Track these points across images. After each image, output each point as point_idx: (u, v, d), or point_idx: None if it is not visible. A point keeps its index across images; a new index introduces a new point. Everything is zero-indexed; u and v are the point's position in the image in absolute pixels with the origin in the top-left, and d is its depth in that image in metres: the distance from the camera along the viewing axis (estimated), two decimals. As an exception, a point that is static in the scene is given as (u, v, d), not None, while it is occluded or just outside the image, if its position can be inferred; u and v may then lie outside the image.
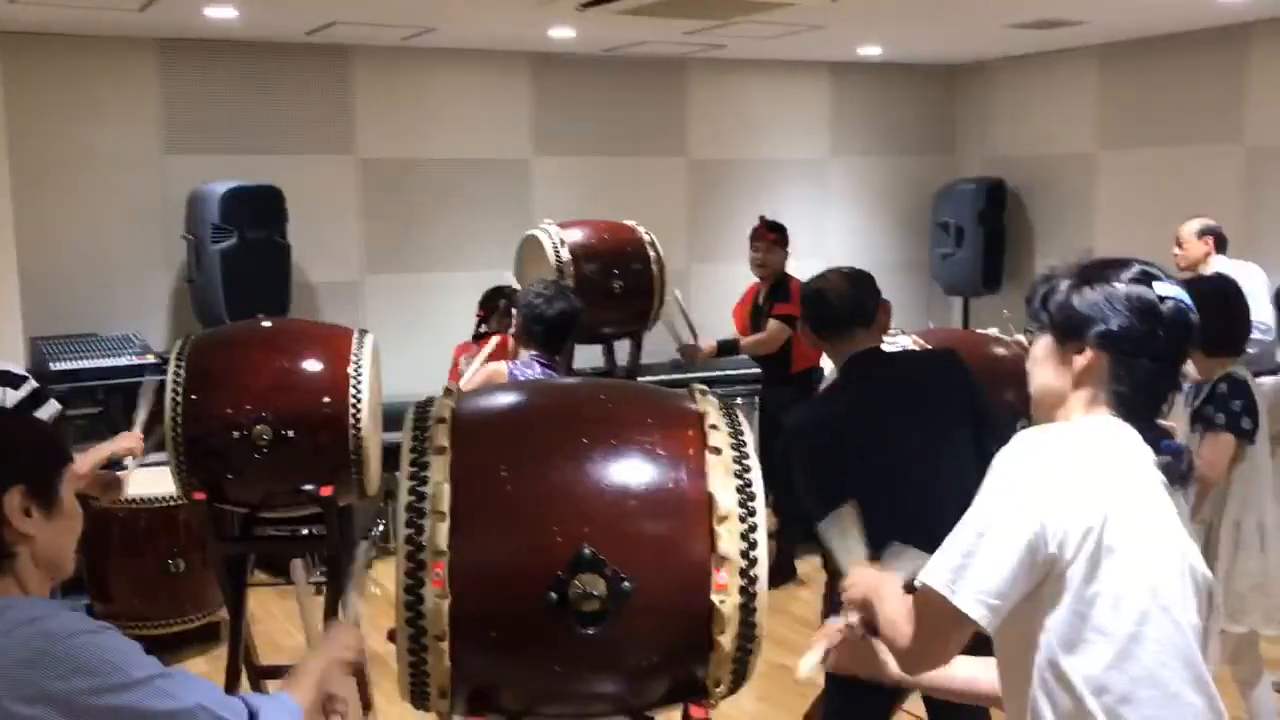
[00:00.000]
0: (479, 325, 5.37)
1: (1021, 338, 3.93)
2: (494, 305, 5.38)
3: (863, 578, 1.97)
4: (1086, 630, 1.60)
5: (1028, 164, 7.72)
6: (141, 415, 3.67)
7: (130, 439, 3.49)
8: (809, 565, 5.84)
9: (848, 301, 2.96)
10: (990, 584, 1.61)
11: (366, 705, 4.32)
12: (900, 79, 7.99)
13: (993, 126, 8.02)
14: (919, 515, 2.72)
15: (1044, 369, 1.78)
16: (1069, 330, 1.73)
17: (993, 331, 4.09)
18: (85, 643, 1.52)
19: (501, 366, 3.62)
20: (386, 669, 4.70)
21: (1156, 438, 1.73)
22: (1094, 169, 7.30)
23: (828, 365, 6.32)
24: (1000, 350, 3.74)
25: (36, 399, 3.71)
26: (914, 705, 3.09)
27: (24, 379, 5.00)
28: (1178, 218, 5.43)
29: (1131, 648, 1.60)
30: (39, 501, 1.61)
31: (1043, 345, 1.79)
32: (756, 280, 5.83)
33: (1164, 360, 1.71)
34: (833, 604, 2.62)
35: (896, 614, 1.79)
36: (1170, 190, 6.71)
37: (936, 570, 1.66)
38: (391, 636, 4.74)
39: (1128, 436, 1.70)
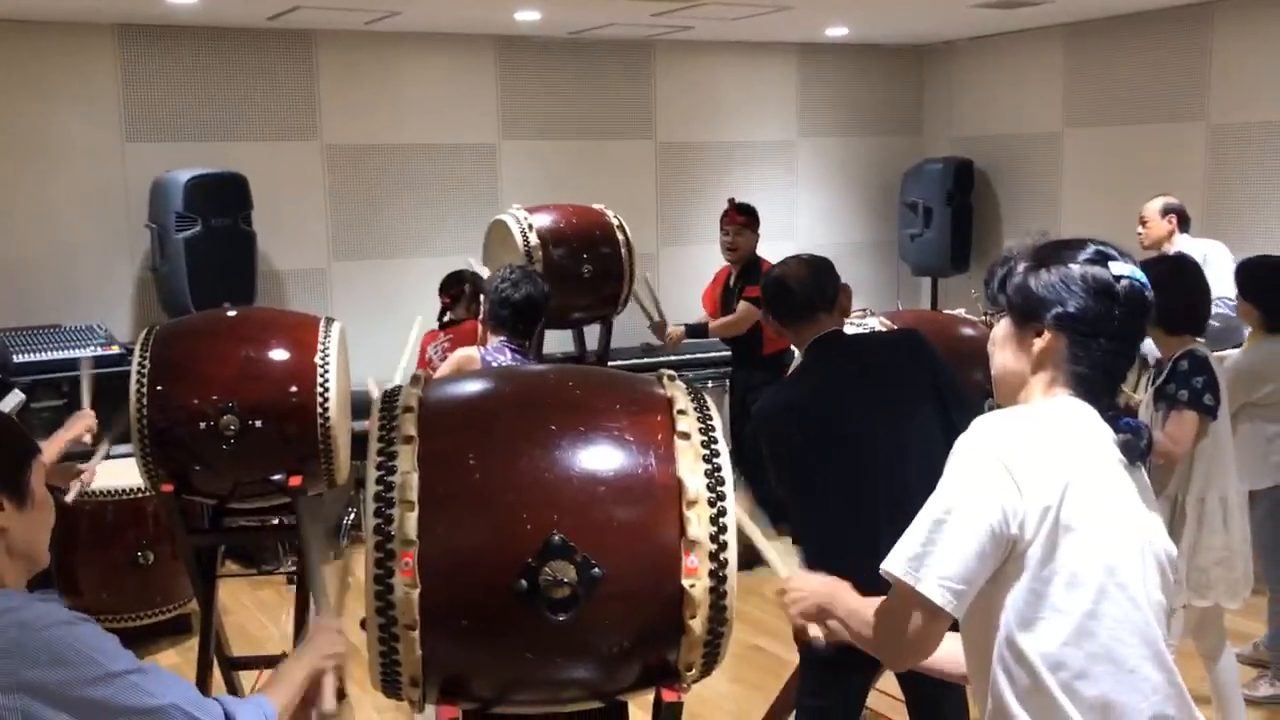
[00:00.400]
0: (443, 313, 5.32)
1: (989, 317, 3.96)
2: (458, 291, 5.32)
3: (805, 585, 1.98)
4: (1043, 608, 1.62)
5: (995, 143, 7.76)
6: (86, 395, 3.64)
7: (83, 421, 3.43)
8: (781, 547, 5.86)
9: (807, 287, 2.97)
10: (953, 569, 1.61)
11: (340, 694, 4.31)
12: (867, 60, 8.00)
13: (960, 107, 8.05)
14: (885, 496, 2.74)
15: (1004, 351, 1.79)
16: (1026, 312, 1.74)
17: (960, 312, 4.12)
18: (62, 634, 1.51)
19: (473, 352, 3.59)
20: (359, 657, 4.70)
21: (1116, 416, 1.73)
22: (1060, 148, 7.35)
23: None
24: (968, 330, 3.76)
25: (0, 391, 3.67)
26: (889, 685, 3.11)
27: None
28: (1143, 195, 5.47)
29: (1088, 624, 1.61)
30: (10, 495, 1.61)
31: (1002, 327, 1.80)
32: (727, 264, 5.82)
33: (1121, 339, 1.72)
34: None
35: (865, 611, 1.79)
36: (1135, 168, 6.76)
37: (899, 558, 1.66)
38: (364, 625, 4.71)
39: (1087, 416, 1.71)
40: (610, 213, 5.74)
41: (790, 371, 3.03)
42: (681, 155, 7.44)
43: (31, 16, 5.75)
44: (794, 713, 3.06)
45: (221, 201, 5.68)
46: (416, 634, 1.77)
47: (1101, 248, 1.74)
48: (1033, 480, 1.62)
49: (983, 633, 1.68)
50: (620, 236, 5.63)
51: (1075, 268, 1.71)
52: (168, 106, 6.11)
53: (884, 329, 3.56)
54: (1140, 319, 1.73)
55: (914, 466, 2.82)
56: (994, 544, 1.61)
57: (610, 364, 6.00)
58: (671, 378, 2.03)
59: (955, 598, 1.62)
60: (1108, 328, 1.70)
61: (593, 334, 6.06)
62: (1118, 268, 1.71)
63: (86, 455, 3.53)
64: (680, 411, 1.91)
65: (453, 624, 1.79)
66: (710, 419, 1.93)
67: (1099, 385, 1.72)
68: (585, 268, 5.51)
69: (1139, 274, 1.73)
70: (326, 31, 6.42)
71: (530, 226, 5.42)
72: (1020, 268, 1.77)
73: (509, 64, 6.90)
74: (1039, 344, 1.73)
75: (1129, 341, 1.74)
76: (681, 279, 6.94)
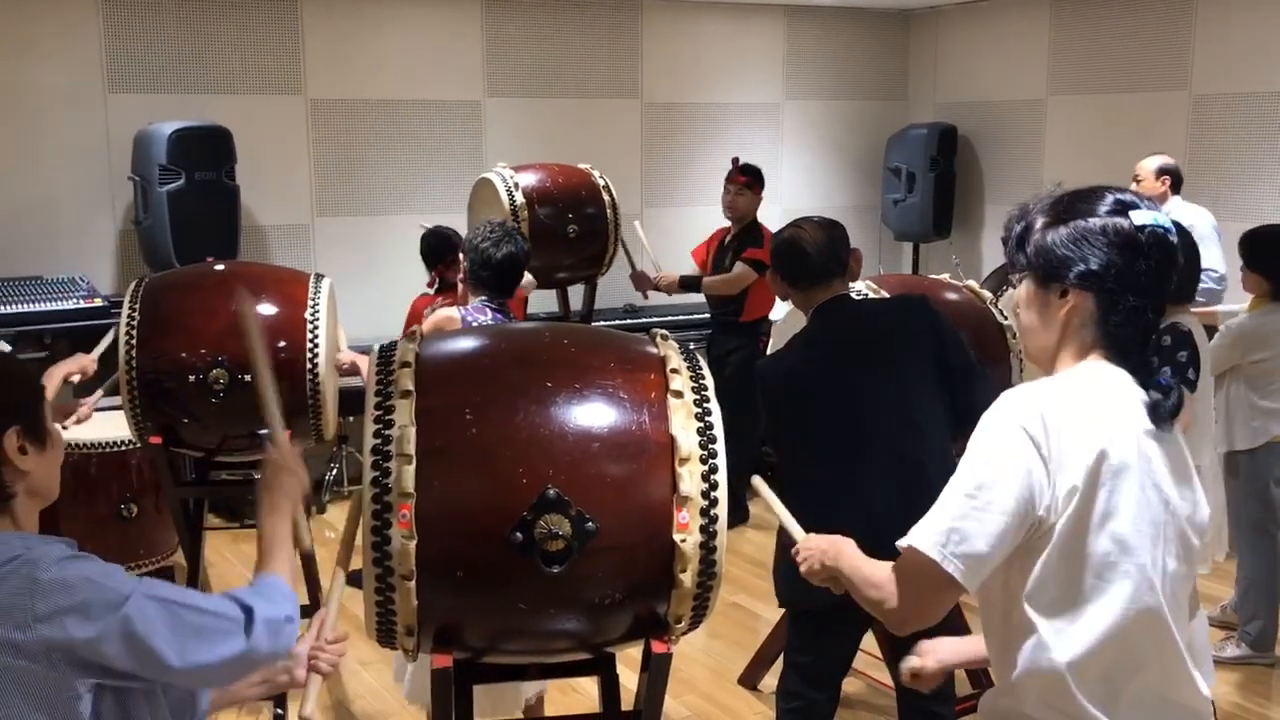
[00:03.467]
0: (434, 282, 5.00)
1: (972, 283, 4.00)
2: (450, 259, 4.94)
3: (813, 544, 1.96)
4: (1056, 583, 1.60)
5: (979, 110, 7.78)
6: (102, 346, 3.65)
7: (79, 361, 3.42)
8: (760, 506, 5.93)
9: (823, 250, 2.95)
10: (978, 548, 1.58)
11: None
12: (854, 24, 7.98)
13: (945, 72, 8.06)
14: (885, 457, 2.79)
15: (1029, 312, 1.72)
16: (1048, 273, 1.66)
17: (945, 277, 4.15)
18: (75, 566, 1.54)
19: (453, 312, 3.55)
20: (344, 614, 4.74)
21: (1150, 374, 1.66)
22: (1044, 115, 7.37)
23: (778, 313, 6.41)
24: (952, 295, 3.80)
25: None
26: (871, 645, 3.18)
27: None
28: (1125, 164, 5.51)
29: (1099, 601, 1.59)
30: (32, 438, 1.63)
31: (1025, 288, 1.72)
32: (724, 225, 5.82)
33: (1150, 293, 1.64)
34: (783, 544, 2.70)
35: (877, 576, 1.76)
36: (1118, 137, 6.80)
37: (925, 534, 1.64)
38: (349, 580, 4.75)
39: (1117, 382, 1.65)
40: (596, 173, 5.74)
41: (798, 334, 3.02)
42: (667, 116, 7.43)
43: (12, -37, 5.68)
44: (782, 669, 3.11)
45: (205, 155, 5.64)
46: (412, 584, 1.81)
47: (1120, 196, 1.65)
48: (1060, 458, 1.58)
49: (996, 606, 1.67)
50: (606, 197, 5.63)
51: (1095, 221, 1.62)
52: (151, 57, 6.05)
53: (871, 293, 3.59)
54: (1168, 268, 1.64)
55: (914, 432, 2.86)
56: (1019, 522, 1.58)
57: (594, 324, 6.02)
58: (665, 337, 2.07)
59: (972, 573, 1.60)
60: (1135, 282, 1.62)
61: (576, 294, 6.07)
62: (1139, 216, 1.62)
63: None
64: (673, 370, 1.95)
65: (448, 575, 1.83)
66: (703, 378, 1.96)
67: (1131, 343, 1.65)
68: (570, 228, 5.51)
69: (1162, 220, 1.64)
70: (312, -16, 6.36)
71: (516, 185, 5.42)
72: (1038, 224, 1.68)
73: (495, 21, 6.86)
74: (1065, 304, 1.65)
75: (1158, 294, 1.66)
76: (665, 239, 6.94)
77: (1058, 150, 7.31)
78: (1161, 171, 5.20)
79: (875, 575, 1.76)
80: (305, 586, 3.86)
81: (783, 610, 3.28)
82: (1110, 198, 1.65)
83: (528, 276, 3.67)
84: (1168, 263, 1.64)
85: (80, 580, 1.53)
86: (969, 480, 1.62)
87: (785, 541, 2.97)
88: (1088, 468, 1.58)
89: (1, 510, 1.62)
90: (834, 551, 1.89)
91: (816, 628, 2.95)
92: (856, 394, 2.85)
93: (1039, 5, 7.27)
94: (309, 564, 3.97)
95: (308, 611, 2.08)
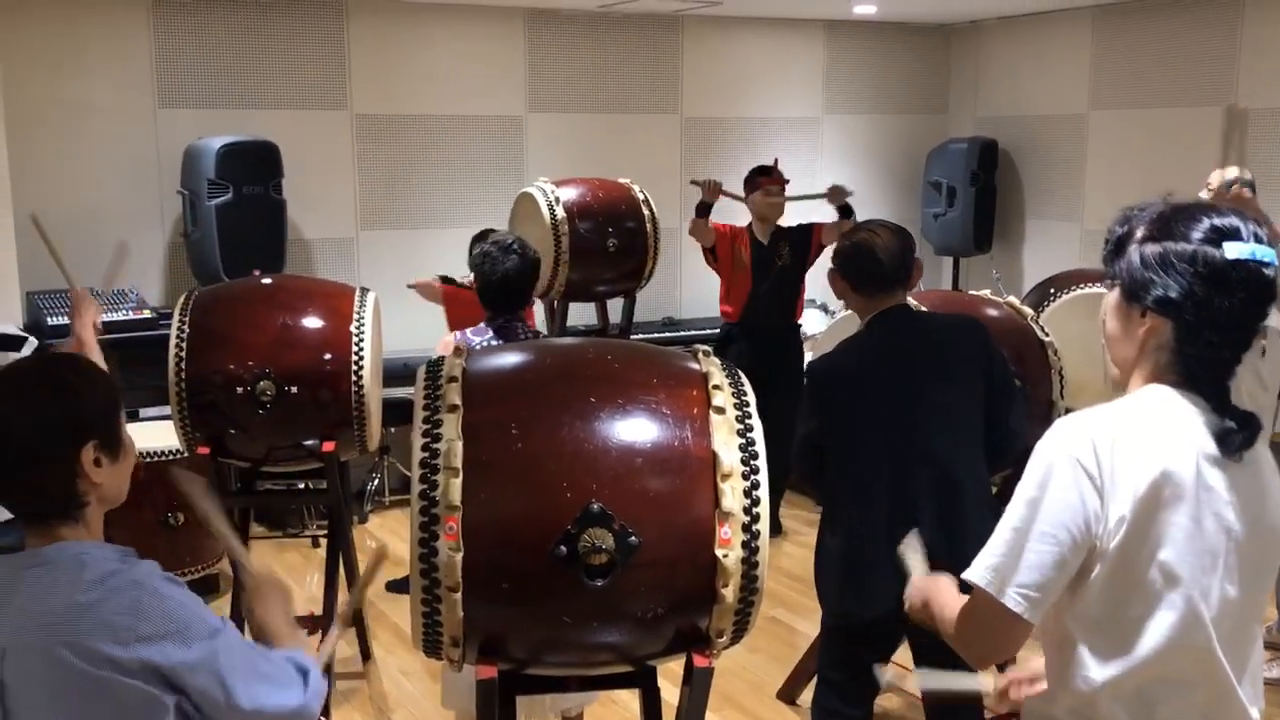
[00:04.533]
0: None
1: (1013, 299, 3.99)
2: None
3: (920, 584, 1.97)
4: (1100, 605, 1.60)
5: (1020, 124, 7.75)
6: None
7: (91, 305, 3.29)
8: (793, 520, 5.94)
9: (895, 259, 2.96)
10: (1033, 578, 1.58)
11: (365, 654, 4.41)
12: (894, 38, 7.98)
13: (986, 87, 8.03)
14: (930, 474, 2.81)
15: (1114, 321, 1.67)
16: (1131, 291, 1.61)
17: (985, 293, 4.14)
18: (170, 592, 1.60)
19: (449, 338, 3.50)
20: (385, 621, 4.80)
21: (1225, 405, 1.59)
22: (1085, 130, 7.33)
23: (811, 326, 6.40)
24: (993, 311, 3.79)
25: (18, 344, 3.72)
26: (902, 658, 3.18)
27: (24, 339, 5.02)
28: (1169, 180, 5.41)
29: (1142, 629, 1.59)
30: (107, 450, 1.68)
31: (1113, 297, 1.66)
32: (752, 223, 5.79)
33: (1231, 329, 1.56)
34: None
35: (948, 608, 1.77)
36: (1161, 152, 6.75)
37: (980, 568, 1.63)
38: (390, 587, 4.81)
39: (1179, 410, 1.60)
40: (636, 187, 5.78)
41: (851, 337, 3.03)
42: (707, 131, 7.46)
43: (67, -18, 5.81)
44: (815, 683, 3.12)
45: (253, 169, 5.74)
46: (459, 596, 1.84)
47: (1220, 222, 1.56)
48: (1111, 486, 1.56)
49: (1050, 617, 1.66)
50: (646, 211, 5.68)
51: (1186, 246, 1.55)
52: (201, 73, 6.16)
53: (913, 307, 3.59)
54: (1258, 305, 1.56)
55: (958, 450, 2.87)
56: (1074, 552, 1.57)
57: (633, 337, 6.06)
58: (706, 353, 2.09)
59: (1034, 606, 1.59)
60: (1213, 318, 1.54)
61: (615, 307, 6.11)
62: (1233, 249, 1.53)
63: None
64: (715, 386, 1.97)
65: (494, 587, 1.86)
66: (745, 394, 1.98)
67: (1205, 375, 1.59)
68: (610, 241, 5.56)
69: (1262, 252, 1.54)
70: (359, 1, 6.45)
71: (557, 200, 5.47)
72: (1136, 236, 1.61)
73: (538, 37, 6.92)
74: (1143, 325, 1.60)
75: (1241, 332, 1.57)
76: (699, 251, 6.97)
77: (1099, 165, 7.26)
78: (1234, 185, 5.01)
79: (947, 608, 1.78)
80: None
81: (820, 625, 3.29)
82: (1208, 222, 1.56)
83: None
84: (1258, 300, 1.56)
85: (180, 607, 1.59)
86: (1025, 512, 1.60)
87: (824, 554, 2.99)
88: (1137, 497, 1.56)
89: (76, 519, 1.66)
90: (929, 588, 1.90)
91: (848, 643, 2.95)
92: (907, 404, 2.86)
93: (1081, 19, 7.23)
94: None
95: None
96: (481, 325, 3.42)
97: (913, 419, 2.85)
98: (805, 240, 5.76)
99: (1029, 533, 1.59)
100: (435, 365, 2.01)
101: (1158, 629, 1.59)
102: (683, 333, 6.93)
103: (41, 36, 5.84)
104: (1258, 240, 1.56)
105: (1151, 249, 1.57)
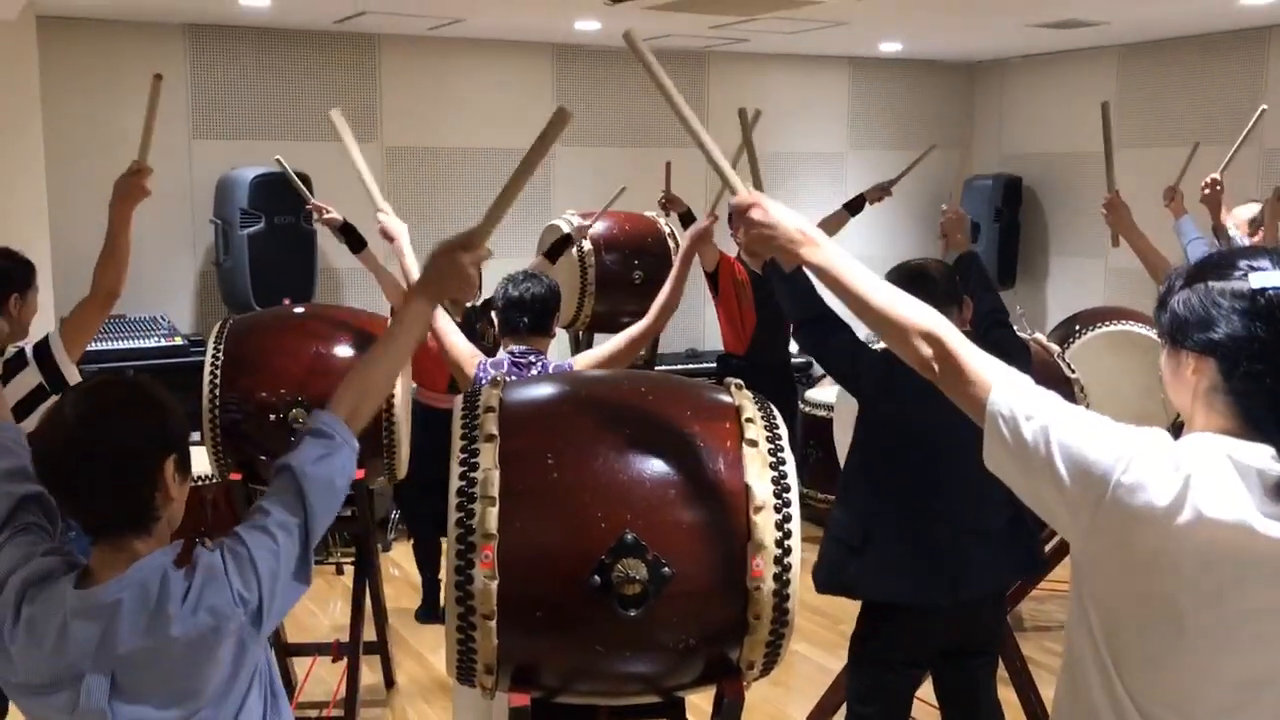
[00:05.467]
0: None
1: (1039, 335, 4.00)
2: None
3: (779, 218, 1.94)
4: (1129, 648, 1.54)
5: (1044, 161, 7.78)
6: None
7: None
8: (814, 554, 5.91)
9: (948, 279, 3.00)
10: (1034, 406, 1.59)
11: (390, 682, 4.43)
12: (919, 75, 8.04)
13: (1010, 124, 8.07)
14: (941, 474, 2.83)
15: (1167, 374, 1.65)
16: (1173, 338, 1.61)
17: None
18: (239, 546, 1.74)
19: (469, 371, 3.42)
20: (407, 648, 4.81)
21: None
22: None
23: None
24: (1018, 348, 3.80)
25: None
26: (927, 694, 3.18)
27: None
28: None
29: (1168, 665, 1.53)
30: (182, 470, 1.73)
31: (1163, 355, 1.65)
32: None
33: (1269, 359, 1.51)
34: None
35: (858, 276, 1.89)
36: (1186, 190, 6.75)
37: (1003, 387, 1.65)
38: (419, 617, 4.81)
39: (1225, 459, 1.50)
40: (662, 220, 5.84)
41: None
42: (732, 165, 7.50)
43: (110, 15, 5.92)
44: (844, 717, 3.12)
45: (285, 199, 5.80)
46: (493, 623, 1.87)
47: (1247, 259, 1.56)
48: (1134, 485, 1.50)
49: (1071, 634, 1.63)
50: (671, 244, 5.73)
51: (1220, 285, 1.54)
52: (234, 105, 6.26)
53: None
54: None
55: (971, 459, 2.88)
56: (1097, 458, 1.51)
57: (656, 368, 6.09)
58: (739, 386, 2.12)
59: (1008, 426, 1.59)
60: (1249, 348, 1.51)
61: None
62: (1259, 279, 1.52)
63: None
64: (748, 419, 1.99)
65: (528, 615, 1.89)
66: (777, 427, 2.01)
67: (1259, 412, 1.52)
68: (636, 274, 5.62)
69: None
70: (390, 36, 6.56)
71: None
72: (1176, 286, 1.62)
73: (566, 72, 7.01)
74: (1189, 368, 1.58)
75: None
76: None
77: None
78: (1255, 223, 5.04)
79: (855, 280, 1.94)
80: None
81: (845, 659, 3.30)
82: (1236, 260, 1.57)
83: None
84: None
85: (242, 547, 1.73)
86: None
87: (831, 529, 3.00)
88: (1168, 557, 1.49)
89: (150, 532, 1.70)
90: (801, 237, 1.90)
91: (876, 674, 2.96)
92: (934, 412, 2.87)
93: (1106, 57, 7.27)
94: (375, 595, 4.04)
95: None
96: (501, 356, 3.31)
97: (946, 448, 2.86)
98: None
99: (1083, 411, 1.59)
100: (472, 396, 2.04)
101: (1182, 670, 1.54)
102: (705, 364, 6.96)
103: (82, 67, 5.95)
104: None
105: (1188, 294, 1.58)
